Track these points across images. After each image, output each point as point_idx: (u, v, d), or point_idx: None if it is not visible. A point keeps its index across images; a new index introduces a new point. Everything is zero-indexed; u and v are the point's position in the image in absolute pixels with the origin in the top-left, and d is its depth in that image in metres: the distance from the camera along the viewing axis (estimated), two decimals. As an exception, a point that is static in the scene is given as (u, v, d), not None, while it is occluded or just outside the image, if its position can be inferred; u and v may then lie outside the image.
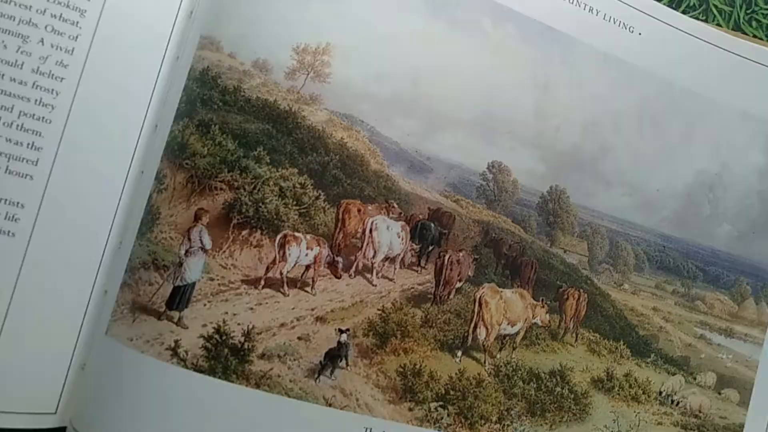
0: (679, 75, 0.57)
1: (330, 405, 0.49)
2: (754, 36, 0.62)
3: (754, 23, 0.63)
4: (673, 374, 0.58)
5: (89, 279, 0.50)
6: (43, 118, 0.48)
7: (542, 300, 0.56)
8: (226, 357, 0.47)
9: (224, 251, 0.50)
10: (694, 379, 0.58)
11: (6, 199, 0.48)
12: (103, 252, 0.50)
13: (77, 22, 0.49)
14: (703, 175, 0.58)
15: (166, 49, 0.51)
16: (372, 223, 0.54)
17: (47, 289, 0.49)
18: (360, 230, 0.54)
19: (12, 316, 0.48)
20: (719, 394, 0.58)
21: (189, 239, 0.49)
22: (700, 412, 0.57)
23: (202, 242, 0.49)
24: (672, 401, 0.57)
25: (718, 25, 0.62)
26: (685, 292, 0.59)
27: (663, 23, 0.57)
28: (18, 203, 0.48)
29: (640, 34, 0.56)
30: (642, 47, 0.56)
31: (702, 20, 0.61)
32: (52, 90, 0.49)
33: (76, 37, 0.49)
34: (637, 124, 0.56)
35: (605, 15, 0.55)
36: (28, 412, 0.48)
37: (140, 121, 0.51)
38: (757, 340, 0.58)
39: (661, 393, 0.57)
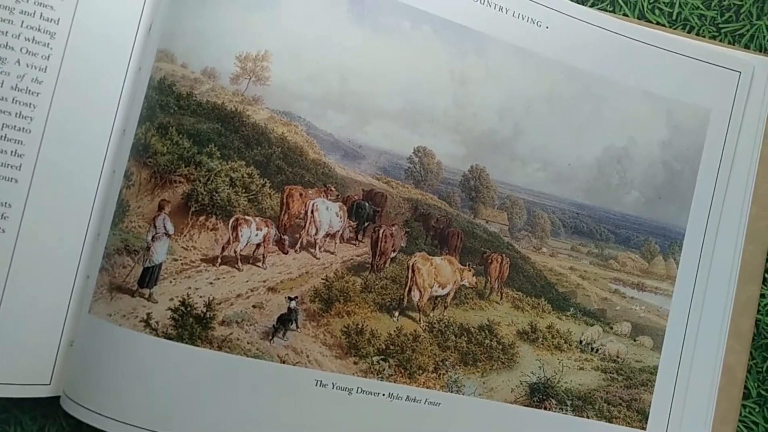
0: (586, 62, 0.62)
1: (284, 362, 0.55)
2: (658, 23, 0.69)
3: (657, 11, 0.69)
4: (592, 325, 0.64)
5: (73, 266, 0.55)
6: (24, 128, 0.54)
7: (469, 264, 0.62)
8: (192, 325, 0.53)
9: (185, 235, 0.55)
10: (611, 328, 0.64)
11: (-5, 200, 0.53)
12: (84, 242, 0.55)
13: (48, 44, 0.54)
14: (611, 149, 0.63)
15: (129, 62, 0.56)
16: (313, 204, 0.59)
17: (37, 277, 0.54)
18: (302, 212, 0.59)
19: (7, 302, 0.53)
20: (634, 341, 0.64)
21: (154, 226, 0.54)
22: (617, 357, 0.64)
23: (165, 228, 0.54)
24: (592, 349, 0.64)
25: (625, 14, 0.68)
26: (599, 253, 0.65)
27: (569, 17, 0.62)
28: (6, 203, 0.53)
29: (547, 27, 0.62)
30: (550, 39, 0.61)
31: (609, 11, 0.68)
32: (30, 104, 0.54)
33: (48, 56, 0.54)
34: (548, 107, 0.62)
35: (514, 12, 0.61)
36: (26, 384, 0.54)
37: (109, 127, 0.56)
38: (666, 292, 0.64)
39: (581, 342, 0.63)
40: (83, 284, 0.55)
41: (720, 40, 0.69)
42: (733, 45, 0.69)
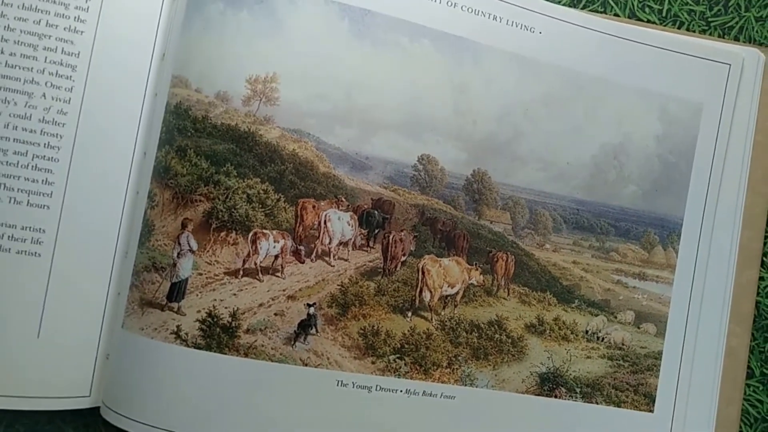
0: (579, 64, 0.64)
1: (306, 365, 0.57)
2: (648, 21, 0.71)
3: (647, 9, 0.71)
4: (596, 315, 0.66)
5: (104, 284, 0.57)
6: (52, 158, 0.56)
7: (476, 264, 0.64)
8: (219, 335, 0.56)
9: (208, 251, 0.58)
10: (615, 317, 0.67)
11: (30, 227, 0.56)
12: (113, 261, 0.58)
13: (71, 76, 0.57)
14: (607, 146, 0.66)
15: (146, 89, 0.58)
16: (325, 215, 0.62)
17: (71, 296, 0.57)
18: (316, 223, 0.62)
19: (45, 320, 0.56)
20: (638, 328, 0.66)
21: (179, 244, 0.57)
22: (623, 344, 0.66)
23: (189, 245, 0.57)
24: (597, 338, 0.66)
25: (616, 14, 0.70)
26: (600, 246, 0.67)
27: (561, 21, 0.64)
28: (40, 229, 0.56)
29: (540, 33, 0.64)
30: (544, 44, 0.64)
31: (601, 12, 0.70)
32: (57, 134, 0.56)
33: (71, 88, 0.57)
34: (545, 109, 0.64)
35: (508, 20, 0.63)
36: (67, 396, 0.57)
37: (131, 151, 0.58)
38: (667, 280, 0.66)
39: (587, 332, 0.66)
40: (115, 301, 0.58)
41: (710, 34, 0.71)
42: (724, 38, 0.71)
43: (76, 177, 0.57)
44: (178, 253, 0.57)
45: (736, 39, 0.71)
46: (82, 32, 0.58)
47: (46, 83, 0.57)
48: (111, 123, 0.58)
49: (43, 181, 0.57)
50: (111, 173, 0.58)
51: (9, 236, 0.56)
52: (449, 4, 0.62)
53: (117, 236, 0.58)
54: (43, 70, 0.57)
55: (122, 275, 0.58)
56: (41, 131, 0.57)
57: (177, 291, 0.57)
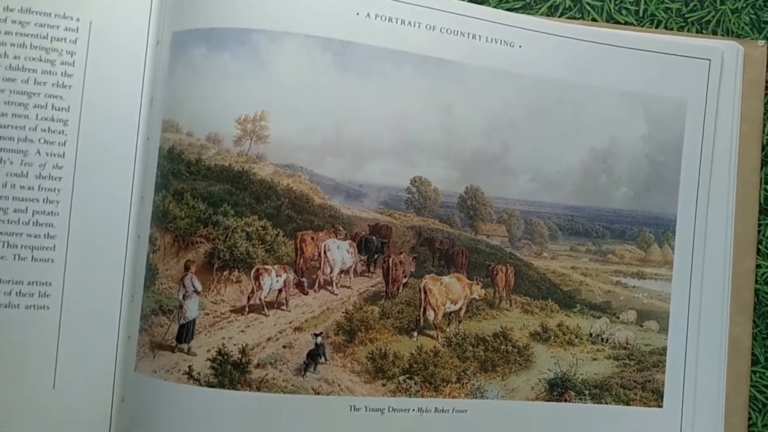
0: (561, 73, 0.65)
1: (318, 393, 0.58)
2: (626, 22, 0.72)
3: (624, 11, 0.72)
4: (599, 317, 0.67)
5: (114, 330, 0.58)
6: (52, 212, 0.58)
7: (476, 279, 0.66)
8: (230, 372, 0.57)
9: (213, 290, 0.59)
10: (618, 318, 0.68)
11: (37, 281, 0.57)
12: (120, 307, 0.59)
13: (63, 131, 0.58)
14: (595, 151, 0.66)
15: (138, 134, 0.59)
16: (324, 246, 0.63)
17: (83, 345, 0.58)
18: (316, 254, 0.63)
19: (59, 371, 0.57)
20: (641, 326, 0.67)
21: (184, 286, 0.58)
22: (627, 344, 0.67)
23: (194, 286, 0.58)
24: (602, 339, 0.67)
25: (594, 19, 0.71)
26: (597, 250, 0.68)
27: (539, 33, 0.65)
28: (46, 282, 0.57)
29: (520, 47, 0.65)
30: (524, 57, 0.64)
31: (578, 18, 0.71)
32: (54, 188, 0.58)
33: (64, 142, 0.58)
34: (531, 121, 0.65)
35: (487, 38, 0.64)
36: None
37: (128, 196, 0.59)
38: (666, 277, 0.67)
39: (591, 335, 0.67)
40: (126, 344, 0.59)
41: (687, 30, 0.71)
42: (701, 32, 0.71)
43: (77, 228, 0.59)
44: (184, 295, 0.58)
45: (714, 33, 0.72)
46: (69, 86, 0.59)
47: (39, 140, 0.58)
48: (106, 171, 0.59)
49: (45, 235, 0.58)
50: (111, 221, 0.59)
51: (17, 292, 0.58)
52: (428, 27, 0.63)
53: (122, 282, 0.59)
54: (36, 128, 0.58)
55: (131, 319, 0.59)
56: (39, 187, 0.58)
57: (186, 332, 0.58)
